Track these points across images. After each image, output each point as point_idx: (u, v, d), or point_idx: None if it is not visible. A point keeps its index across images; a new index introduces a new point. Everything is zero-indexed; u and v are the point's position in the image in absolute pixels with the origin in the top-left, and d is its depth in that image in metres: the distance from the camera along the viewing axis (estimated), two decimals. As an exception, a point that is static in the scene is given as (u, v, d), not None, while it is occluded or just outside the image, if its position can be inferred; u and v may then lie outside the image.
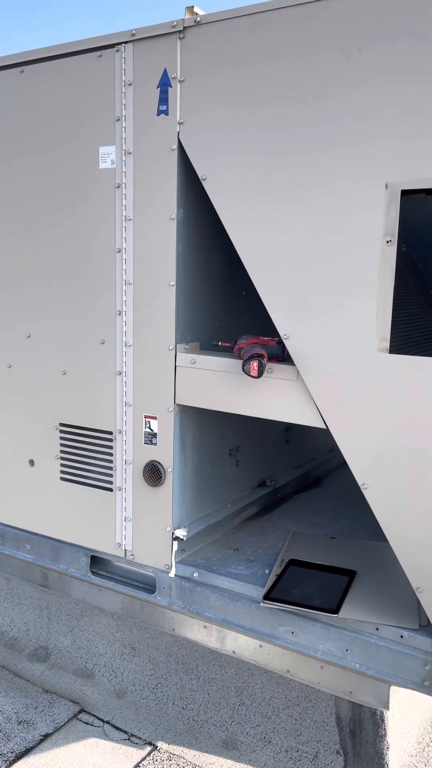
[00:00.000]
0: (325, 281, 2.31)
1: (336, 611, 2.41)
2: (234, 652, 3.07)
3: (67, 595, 3.74)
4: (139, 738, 3.56)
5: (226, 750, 3.50)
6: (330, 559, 2.87)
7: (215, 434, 3.04)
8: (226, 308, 2.98)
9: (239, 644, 2.84)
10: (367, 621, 2.39)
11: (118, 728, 3.63)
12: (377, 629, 2.38)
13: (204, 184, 2.53)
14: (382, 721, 3.09)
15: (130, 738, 3.56)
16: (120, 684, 3.88)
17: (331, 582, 2.63)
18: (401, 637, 2.33)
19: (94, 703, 3.79)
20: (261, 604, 2.51)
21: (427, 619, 2.30)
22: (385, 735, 3.11)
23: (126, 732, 3.60)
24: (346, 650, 2.43)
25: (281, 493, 3.65)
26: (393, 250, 2.17)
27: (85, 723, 3.66)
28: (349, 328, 2.28)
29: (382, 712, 3.03)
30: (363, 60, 2.15)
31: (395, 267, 2.18)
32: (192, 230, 2.70)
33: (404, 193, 2.15)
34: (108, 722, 3.66)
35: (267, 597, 2.51)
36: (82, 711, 3.73)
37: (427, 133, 2.07)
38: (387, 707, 2.75)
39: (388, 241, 2.18)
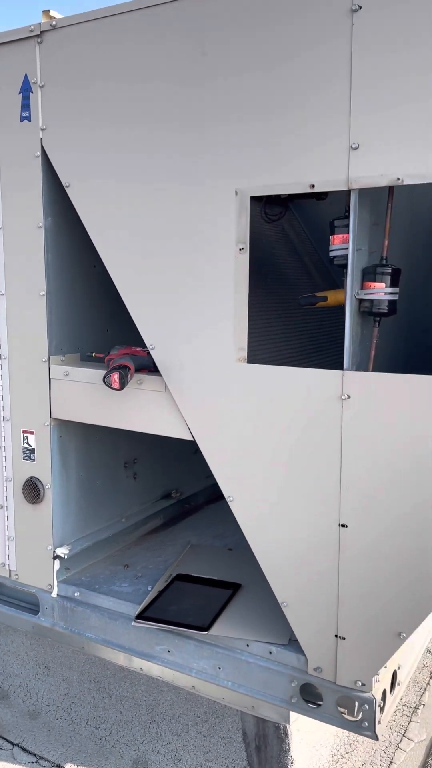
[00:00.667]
0: (184, 292, 2.25)
1: (207, 629, 2.33)
2: (141, 669, 2.98)
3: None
4: (48, 760, 3.46)
5: (135, 770, 3.42)
6: (221, 572, 2.80)
7: (106, 447, 2.95)
8: (112, 318, 2.90)
9: (144, 662, 2.75)
10: (238, 637, 2.32)
11: (27, 751, 3.52)
12: (248, 645, 2.31)
13: (68, 191, 2.46)
14: (286, 735, 3.02)
15: (38, 761, 3.46)
16: (34, 705, 3.78)
17: (211, 597, 2.56)
18: (270, 653, 2.26)
19: (5, 725, 3.68)
20: (132, 623, 2.43)
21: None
22: (289, 750, 3.04)
23: (35, 755, 3.50)
24: (219, 668, 2.36)
25: (190, 504, 3.58)
26: (245, 258, 2.11)
27: (-7, 747, 3.55)
28: (207, 338, 2.22)
29: (285, 727, 2.97)
30: (208, 63, 2.10)
31: (249, 275, 2.12)
32: (65, 238, 2.62)
33: (253, 199, 2.09)
34: (18, 745, 3.56)
35: (140, 616, 2.43)
36: (-8, 734, 3.62)
37: (273, 140, 2.01)
38: (288, 722, 2.68)
39: (240, 249, 2.12)
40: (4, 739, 3.59)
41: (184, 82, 2.15)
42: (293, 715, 2.45)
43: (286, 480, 2.14)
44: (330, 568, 2.09)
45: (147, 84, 2.23)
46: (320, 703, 2.22)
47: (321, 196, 2.61)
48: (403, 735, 3.41)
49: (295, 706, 2.22)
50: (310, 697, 2.25)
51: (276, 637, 2.29)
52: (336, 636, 2.12)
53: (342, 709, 2.18)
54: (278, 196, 2.14)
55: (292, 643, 2.26)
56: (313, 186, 1.97)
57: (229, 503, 2.27)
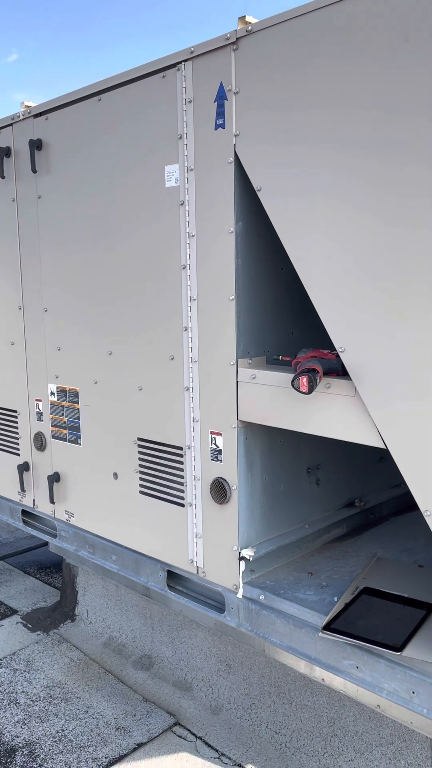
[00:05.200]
0: (380, 293, 2.14)
1: (400, 649, 2.19)
2: (323, 680, 2.92)
3: (166, 606, 3.80)
4: (230, 758, 3.51)
5: (316, 782, 3.34)
6: (411, 589, 2.63)
7: (289, 451, 2.92)
8: (298, 320, 2.87)
9: (327, 673, 2.69)
10: (434, 663, 2.15)
11: (210, 745, 3.61)
12: (446, 673, 2.14)
13: (259, 194, 2.47)
14: None
15: (221, 757, 3.52)
16: (216, 700, 3.86)
17: (402, 615, 2.40)
18: (471, 684, 2.07)
19: (189, 717, 3.80)
20: (319, 634, 2.36)
21: None
22: None
23: (217, 750, 3.57)
24: (413, 692, 2.20)
25: (374, 515, 3.42)
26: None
27: (178, 736, 3.68)
28: (407, 342, 2.09)
29: None
30: (413, 51, 1.97)
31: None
32: (253, 243, 2.64)
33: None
34: (201, 738, 3.66)
35: (327, 627, 2.36)
36: (177, 724, 3.76)
37: None
38: None
39: (443, 243, 1.96)
40: (188, 730, 3.71)
41: (382, 73, 2.05)
42: None
43: None
44: None
45: (346, 86, 2.15)
46: None
47: None
48: None
49: None
50: None
51: None
52: None
53: None
54: None
55: None
56: None
57: (426, 517, 2.12)
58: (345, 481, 3.28)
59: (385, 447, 2.21)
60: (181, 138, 2.71)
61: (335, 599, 2.58)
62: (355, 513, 3.31)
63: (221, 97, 2.54)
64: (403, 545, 3.12)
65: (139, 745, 3.58)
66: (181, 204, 2.75)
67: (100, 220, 3.17)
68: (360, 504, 3.32)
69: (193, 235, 2.72)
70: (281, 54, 2.33)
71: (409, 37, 1.97)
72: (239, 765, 3.44)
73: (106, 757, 3.47)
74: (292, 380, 2.27)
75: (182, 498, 2.94)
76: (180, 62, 2.68)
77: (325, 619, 2.42)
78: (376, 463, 3.44)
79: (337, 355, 2.34)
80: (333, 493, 3.21)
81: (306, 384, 2.24)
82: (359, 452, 3.27)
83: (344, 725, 3.35)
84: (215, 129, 2.58)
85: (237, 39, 2.46)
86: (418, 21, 1.95)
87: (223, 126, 2.55)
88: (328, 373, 2.37)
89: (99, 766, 3.41)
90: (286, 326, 2.85)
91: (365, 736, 3.29)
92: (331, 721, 3.40)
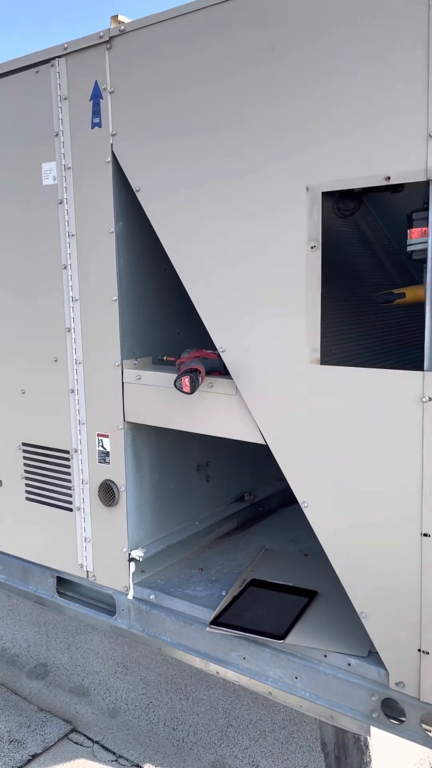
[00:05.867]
0: (254, 292, 2.20)
1: (283, 637, 2.28)
2: (218, 672, 2.97)
3: (61, 612, 3.72)
4: (127, 759, 3.50)
5: (213, 773, 3.40)
6: (296, 578, 2.73)
7: (178, 450, 2.95)
8: (183, 320, 2.89)
9: (220, 666, 2.73)
10: (315, 647, 2.25)
11: (107, 749, 3.58)
12: (325, 656, 2.24)
13: (138, 195, 2.46)
14: (367, 747, 2.92)
15: (118, 759, 3.51)
16: (113, 703, 3.84)
17: (287, 604, 2.49)
18: (348, 665, 2.18)
19: (86, 722, 3.76)
20: (207, 629, 2.41)
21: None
22: (369, 762, 2.94)
23: (114, 753, 3.55)
24: (296, 678, 2.29)
25: (263, 508, 3.52)
26: (317, 255, 2.04)
27: (75, 743, 3.63)
28: (279, 340, 2.16)
29: (365, 738, 2.87)
30: (278, 59, 2.04)
31: (322, 273, 2.05)
32: (135, 243, 2.63)
33: (325, 195, 2.02)
34: (98, 742, 3.62)
35: (214, 622, 2.40)
36: (73, 730, 3.71)
37: (345, 131, 1.93)
38: (368, 734, 2.59)
39: (312, 247, 2.05)
40: (85, 735, 3.66)
41: (253, 78, 2.10)
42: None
43: (363, 486, 2.06)
44: (412, 579, 1.99)
45: (213, 84, 2.19)
46: (403, 719, 2.12)
47: (397, 188, 2.49)
48: None
49: (376, 721, 2.13)
50: (391, 712, 2.15)
51: (355, 649, 2.20)
52: (419, 650, 2.02)
53: (427, 727, 2.07)
54: (351, 190, 2.05)
55: (372, 655, 2.17)
56: (389, 178, 1.88)
57: (304, 509, 2.21)
58: (235, 477, 3.35)
59: (265, 443, 2.28)
60: (57, 135, 2.66)
61: (224, 593, 2.64)
62: (245, 507, 3.39)
63: (97, 95, 2.52)
64: (289, 536, 3.24)
65: (34, 756, 3.49)
66: (60, 203, 2.69)
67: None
68: (249, 498, 3.41)
69: (73, 235, 2.68)
70: (154, 55, 2.33)
71: (275, 46, 2.04)
72: (137, 765, 3.44)
73: (-2, 773, 3.36)
74: (175, 381, 2.29)
75: (70, 502, 2.90)
76: (54, 58, 2.62)
77: (213, 614, 2.46)
78: (265, 457, 3.52)
79: (219, 355, 2.39)
80: (223, 489, 3.27)
81: (188, 384, 2.27)
82: (248, 448, 3.34)
83: (239, 715, 3.44)
84: (92, 128, 2.55)
85: (111, 38, 2.44)
86: (283, 31, 2.02)
87: (99, 125, 2.53)
88: (210, 372, 2.41)
89: (-9, 782, 3.30)
90: (172, 326, 2.87)
91: (259, 723, 3.38)
92: (227, 712, 3.48)
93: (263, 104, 2.09)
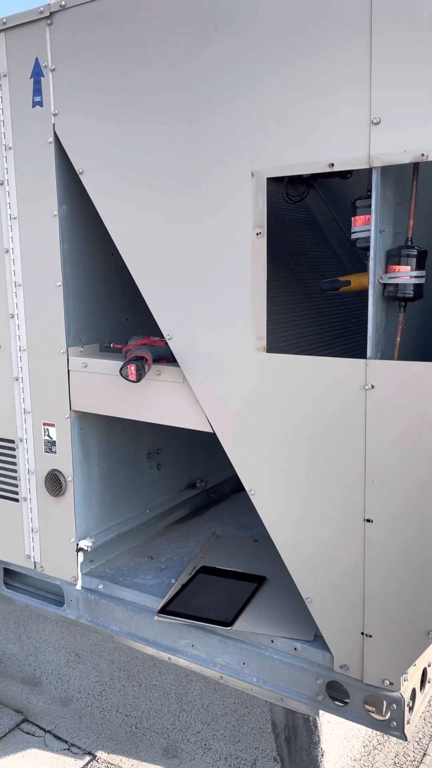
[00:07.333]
0: (200, 279, 2.17)
1: (230, 624, 2.29)
2: (170, 658, 2.97)
3: (11, 602, 3.66)
4: (79, 748, 3.49)
5: (166, 758, 3.42)
6: (246, 564, 2.74)
7: (128, 438, 2.92)
8: (132, 306, 2.84)
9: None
10: (262, 633, 2.27)
11: (59, 738, 3.56)
12: (272, 641, 2.26)
13: (81, 177, 2.40)
14: (316, 727, 2.97)
15: (70, 748, 3.49)
16: (66, 692, 3.81)
17: (236, 591, 2.51)
18: (295, 649, 2.21)
19: (38, 712, 3.72)
20: (155, 618, 2.40)
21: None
22: (319, 741, 3.00)
23: (67, 742, 3.53)
24: (243, 663, 2.31)
25: (215, 494, 3.52)
26: (263, 242, 2.02)
27: (26, 733, 3.60)
28: (225, 327, 2.14)
29: (315, 719, 2.92)
30: (221, 39, 2.00)
31: (268, 260, 2.03)
32: (80, 227, 2.57)
33: (271, 180, 2.00)
34: (50, 732, 3.59)
35: (162, 610, 2.40)
36: (25, 721, 3.67)
37: (289, 116, 1.91)
38: (317, 714, 2.63)
39: (257, 233, 2.03)
40: (37, 725, 3.63)
41: (194, 58, 2.06)
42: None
43: (308, 473, 2.07)
44: (355, 564, 2.01)
45: (156, 63, 2.14)
46: (347, 701, 2.15)
47: (346, 174, 2.50)
48: (437, 728, 3.34)
49: (322, 703, 2.16)
50: (336, 695, 2.19)
51: (301, 633, 2.23)
52: (362, 633, 2.05)
53: (369, 708, 2.11)
54: (300, 176, 2.04)
55: (318, 639, 2.20)
56: (333, 165, 1.86)
57: (251, 496, 2.21)
58: (186, 464, 3.33)
59: (212, 431, 2.27)
60: (-3, 114, 2.56)
61: (173, 581, 2.63)
62: (197, 494, 3.38)
63: (37, 73, 2.43)
64: (240, 521, 3.25)
65: (-16, 748, 3.45)
66: (1, 184, 2.61)
67: None
68: (201, 485, 3.40)
69: (15, 218, 2.60)
70: (97, 32, 2.26)
71: (218, 27, 2.00)
72: (90, 753, 3.43)
73: None
74: (120, 369, 2.26)
75: (16, 493, 2.84)
76: (-7, 32, 2.52)
77: (161, 603, 2.45)
78: (217, 444, 3.52)
79: (167, 342, 2.35)
80: (174, 476, 3.25)
81: (134, 372, 2.23)
82: (200, 434, 3.33)
83: (191, 699, 3.45)
84: (33, 107, 2.47)
85: (51, 14, 2.36)
86: (226, 13, 1.98)
87: (41, 104, 2.45)
88: (158, 360, 2.38)
89: None
90: (120, 312, 2.82)
91: (211, 707, 3.41)
92: (179, 697, 3.49)
93: (208, 87, 2.05)
